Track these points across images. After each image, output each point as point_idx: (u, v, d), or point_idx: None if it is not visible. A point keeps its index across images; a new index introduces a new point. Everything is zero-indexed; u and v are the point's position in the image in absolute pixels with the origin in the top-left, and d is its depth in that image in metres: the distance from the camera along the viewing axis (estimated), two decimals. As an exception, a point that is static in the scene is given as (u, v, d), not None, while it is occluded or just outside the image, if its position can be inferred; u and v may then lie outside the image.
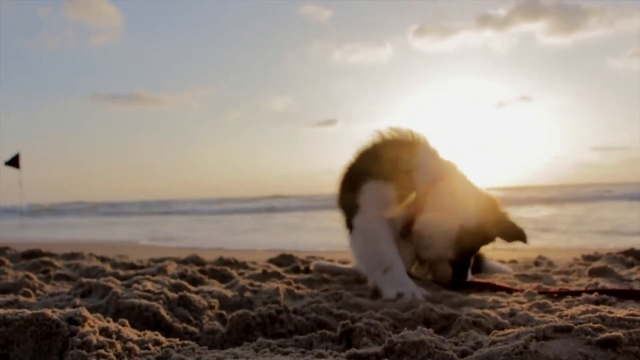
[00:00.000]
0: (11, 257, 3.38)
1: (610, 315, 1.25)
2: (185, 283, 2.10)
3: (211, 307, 1.79)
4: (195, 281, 2.37)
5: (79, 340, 1.22)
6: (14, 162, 11.29)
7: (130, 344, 1.29)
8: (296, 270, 2.95)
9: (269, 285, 2.14)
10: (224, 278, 2.54)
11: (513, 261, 3.41)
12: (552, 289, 2.08)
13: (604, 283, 2.16)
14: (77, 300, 1.77)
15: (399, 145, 2.25)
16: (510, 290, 2.12)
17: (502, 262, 3.35)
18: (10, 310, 1.29)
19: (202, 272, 2.58)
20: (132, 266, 3.10)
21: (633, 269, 2.62)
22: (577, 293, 1.92)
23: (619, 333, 1.10)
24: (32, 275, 2.36)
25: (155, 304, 1.66)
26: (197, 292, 1.95)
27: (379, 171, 2.18)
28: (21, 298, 1.90)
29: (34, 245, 3.88)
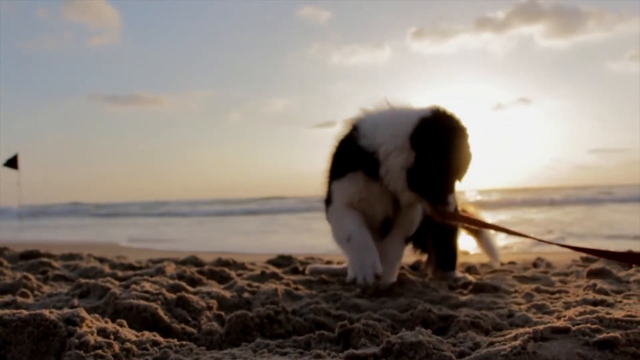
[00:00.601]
0: (9, 257, 3.37)
1: (607, 316, 1.25)
2: (183, 284, 2.09)
3: (209, 308, 1.79)
4: (193, 282, 2.37)
5: (76, 340, 1.22)
6: (12, 163, 11.30)
7: (128, 345, 1.29)
8: (295, 271, 2.95)
9: (268, 286, 2.14)
10: (222, 279, 2.54)
11: (512, 262, 3.42)
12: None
13: (601, 284, 2.17)
14: (75, 301, 1.77)
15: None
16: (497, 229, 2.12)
17: (500, 263, 3.36)
18: (7, 311, 1.29)
19: (200, 273, 2.57)
20: (130, 267, 3.10)
21: (631, 271, 2.62)
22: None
23: (617, 334, 1.10)
24: (30, 276, 2.36)
25: (153, 304, 1.66)
26: (195, 293, 1.94)
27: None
28: (19, 299, 1.89)
29: (31, 246, 3.87)
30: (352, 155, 2.13)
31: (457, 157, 2.05)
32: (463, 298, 2.05)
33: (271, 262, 3.33)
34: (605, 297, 1.83)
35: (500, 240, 7.09)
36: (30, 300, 1.95)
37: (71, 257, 3.48)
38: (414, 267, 2.96)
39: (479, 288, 2.26)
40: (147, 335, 1.41)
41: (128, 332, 1.39)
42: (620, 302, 1.78)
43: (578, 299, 1.86)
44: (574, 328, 1.17)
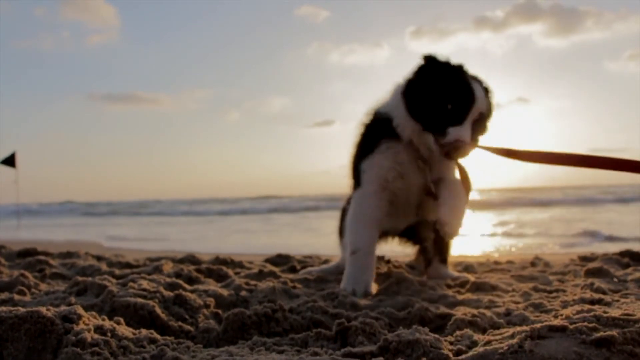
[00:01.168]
0: (6, 255, 3.36)
1: (605, 315, 1.25)
2: (181, 282, 2.09)
3: (207, 306, 1.79)
4: (191, 280, 2.37)
5: (73, 338, 1.22)
6: (9, 161, 11.27)
7: (125, 342, 1.29)
8: (292, 270, 2.95)
9: (265, 285, 2.14)
10: (220, 277, 2.54)
11: (510, 262, 3.42)
12: None
13: (599, 284, 2.17)
14: (72, 299, 1.76)
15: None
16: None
17: (497, 262, 3.36)
18: (4, 308, 1.28)
19: (198, 271, 2.57)
20: (128, 265, 3.09)
21: (629, 270, 2.62)
22: None
23: (614, 332, 1.10)
24: (27, 274, 2.35)
25: (150, 302, 1.65)
26: (192, 291, 1.94)
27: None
28: (16, 297, 1.89)
29: (28, 244, 3.86)
30: (376, 130, 2.27)
31: (446, 85, 2.08)
32: (460, 297, 2.05)
33: (269, 260, 3.32)
34: (602, 296, 1.83)
35: (500, 240, 7.10)
36: (28, 298, 1.94)
37: (68, 255, 3.47)
38: (412, 266, 2.96)
39: (476, 287, 2.26)
40: (144, 332, 1.41)
41: (125, 330, 1.39)
42: (617, 301, 1.78)
43: (575, 297, 1.86)
44: (571, 327, 1.17)
